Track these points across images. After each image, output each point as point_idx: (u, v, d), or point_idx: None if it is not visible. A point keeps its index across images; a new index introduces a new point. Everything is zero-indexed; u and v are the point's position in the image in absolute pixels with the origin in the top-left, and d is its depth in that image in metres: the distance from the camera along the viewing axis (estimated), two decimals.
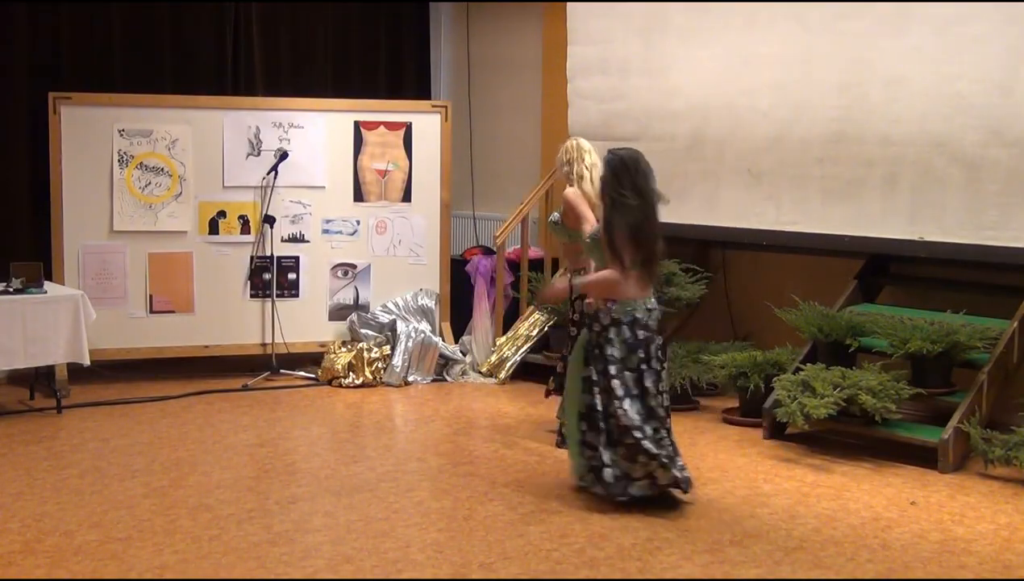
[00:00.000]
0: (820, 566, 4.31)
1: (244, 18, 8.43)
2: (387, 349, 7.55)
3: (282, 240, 7.75)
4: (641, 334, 5.03)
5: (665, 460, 4.92)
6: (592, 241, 5.31)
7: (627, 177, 5.05)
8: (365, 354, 7.45)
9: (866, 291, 6.71)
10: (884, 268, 6.77)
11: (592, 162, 5.92)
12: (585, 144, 6.14)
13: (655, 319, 5.11)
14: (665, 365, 5.16)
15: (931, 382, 5.85)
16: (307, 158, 7.76)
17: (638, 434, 4.91)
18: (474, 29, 9.31)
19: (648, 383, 5.02)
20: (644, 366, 5.02)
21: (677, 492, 5.00)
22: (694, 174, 7.31)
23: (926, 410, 6.20)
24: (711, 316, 7.61)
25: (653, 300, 5.13)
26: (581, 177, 5.97)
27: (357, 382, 7.40)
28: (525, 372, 7.59)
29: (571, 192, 5.89)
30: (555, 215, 6.06)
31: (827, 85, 6.63)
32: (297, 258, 7.79)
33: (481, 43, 9.29)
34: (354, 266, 7.89)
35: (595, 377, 5.03)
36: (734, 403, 6.70)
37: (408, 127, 7.96)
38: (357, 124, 7.87)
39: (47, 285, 6.76)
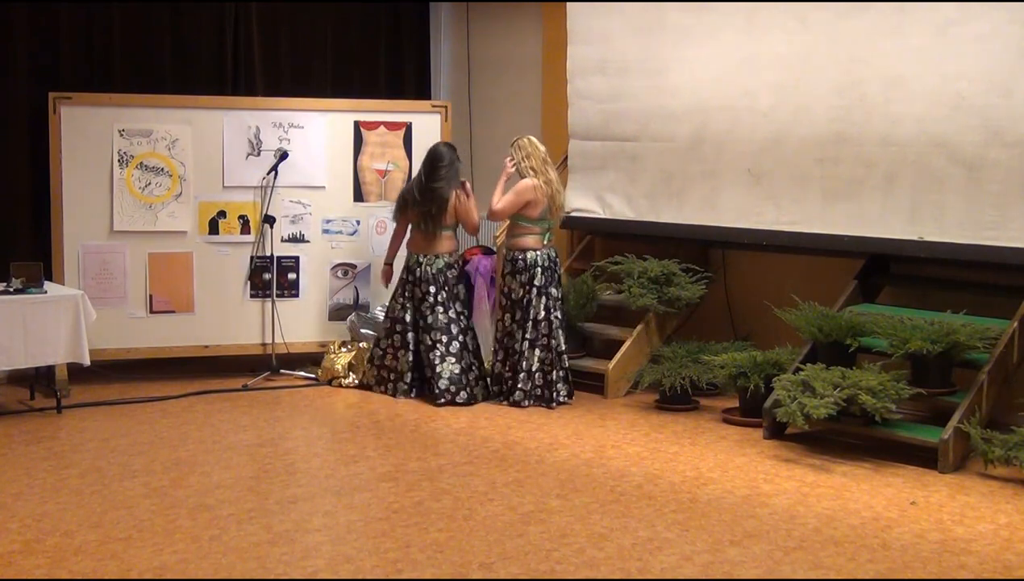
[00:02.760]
0: (820, 566, 4.31)
1: (244, 18, 8.43)
2: None
3: (282, 240, 7.75)
4: (409, 277, 7.05)
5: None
6: None
7: (423, 163, 7.11)
8: (365, 354, 7.45)
9: (866, 291, 6.71)
10: (884, 268, 6.77)
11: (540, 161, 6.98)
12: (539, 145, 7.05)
13: (430, 271, 7.00)
14: (436, 308, 6.99)
15: (931, 382, 5.85)
16: (307, 158, 7.77)
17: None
18: (474, 29, 9.31)
19: (405, 315, 7.09)
20: (409, 303, 7.06)
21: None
22: (694, 174, 7.31)
23: (926, 410, 6.21)
24: (711, 316, 7.61)
25: (435, 258, 7.02)
26: (534, 172, 6.94)
27: (357, 382, 7.40)
28: None
29: (523, 182, 6.93)
30: None
31: (827, 85, 6.63)
32: (297, 258, 7.80)
33: (481, 43, 9.29)
34: (354, 266, 7.89)
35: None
36: (734, 403, 6.70)
37: (408, 127, 7.96)
38: (357, 124, 7.88)
39: (47, 285, 6.76)
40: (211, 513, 4.84)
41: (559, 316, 6.94)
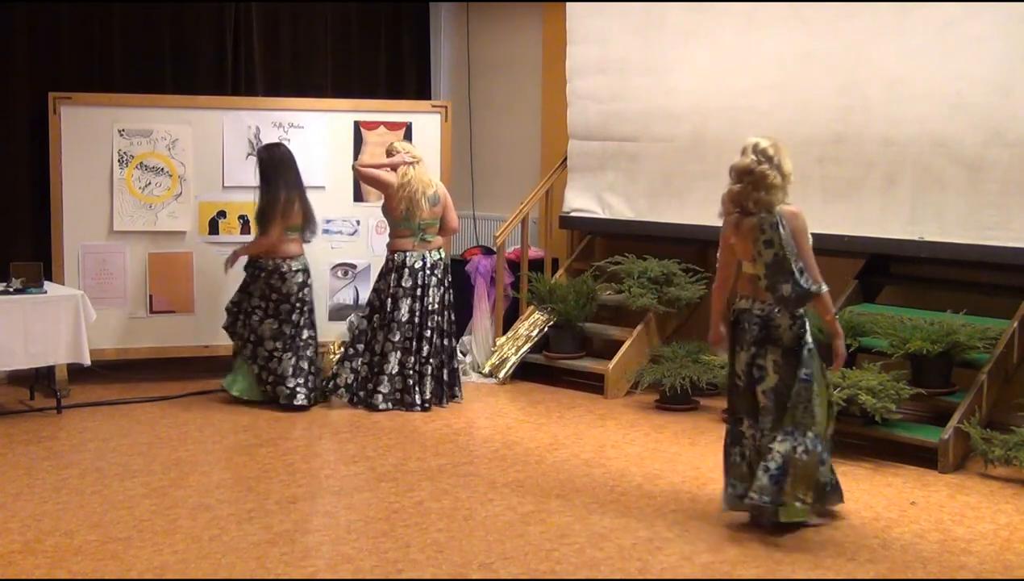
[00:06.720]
0: (820, 566, 4.32)
1: (244, 18, 8.43)
2: None
3: None
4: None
5: None
6: None
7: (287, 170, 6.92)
8: None
9: (866, 291, 6.71)
10: (884, 268, 6.77)
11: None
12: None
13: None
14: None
15: (931, 382, 5.85)
16: (307, 158, 7.76)
17: None
18: (474, 29, 9.31)
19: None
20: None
21: None
22: (694, 174, 7.31)
23: (926, 410, 6.20)
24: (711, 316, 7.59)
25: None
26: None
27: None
28: (525, 372, 7.59)
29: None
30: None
31: (827, 85, 6.63)
32: None
33: (481, 43, 9.29)
34: (354, 266, 7.88)
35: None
36: None
37: (408, 127, 7.95)
38: (357, 124, 7.87)
39: (47, 285, 6.76)
40: (211, 513, 4.85)
41: (438, 323, 6.82)
